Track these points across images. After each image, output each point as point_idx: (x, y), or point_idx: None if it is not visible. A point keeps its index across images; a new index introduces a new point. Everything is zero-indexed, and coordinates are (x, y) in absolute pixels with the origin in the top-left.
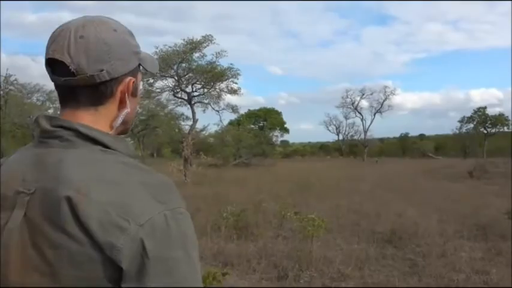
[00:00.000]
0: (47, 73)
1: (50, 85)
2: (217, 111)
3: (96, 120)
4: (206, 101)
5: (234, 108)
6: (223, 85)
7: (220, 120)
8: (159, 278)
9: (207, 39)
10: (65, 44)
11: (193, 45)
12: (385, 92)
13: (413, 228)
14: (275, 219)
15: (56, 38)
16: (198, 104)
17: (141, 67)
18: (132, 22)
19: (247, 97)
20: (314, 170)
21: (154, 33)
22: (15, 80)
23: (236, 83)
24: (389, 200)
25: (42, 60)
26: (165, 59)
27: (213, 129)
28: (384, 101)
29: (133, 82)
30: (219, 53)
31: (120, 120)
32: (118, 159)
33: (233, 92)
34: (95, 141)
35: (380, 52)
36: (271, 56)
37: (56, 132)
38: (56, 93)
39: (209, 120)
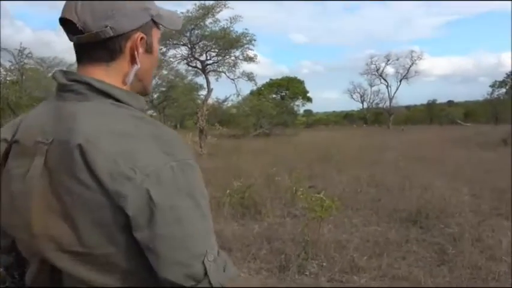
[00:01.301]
0: (69, 48)
1: (71, 59)
2: (233, 79)
3: (108, 75)
4: (221, 69)
5: (249, 76)
6: (238, 52)
7: (236, 90)
8: (169, 225)
9: (220, 4)
10: (73, 4)
11: (206, 10)
12: (412, 57)
13: (442, 205)
14: (287, 194)
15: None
16: (213, 72)
17: (159, 24)
18: None
19: (271, 67)
20: (336, 140)
21: (175, 3)
22: (30, 53)
23: (252, 50)
24: (414, 171)
25: (65, 35)
26: None
27: (235, 99)
28: (410, 66)
29: (142, 38)
30: (233, 18)
31: (131, 76)
32: (129, 113)
33: (249, 59)
34: (107, 95)
35: (408, 16)
36: (295, 24)
37: (71, 86)
38: (75, 66)
39: (231, 91)
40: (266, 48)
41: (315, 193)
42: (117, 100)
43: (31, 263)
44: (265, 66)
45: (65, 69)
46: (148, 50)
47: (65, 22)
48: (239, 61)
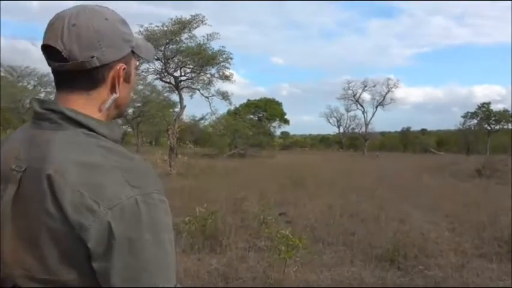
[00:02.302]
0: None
1: (44, 69)
2: (207, 97)
3: (87, 103)
4: (195, 87)
5: (224, 95)
6: (214, 70)
7: (211, 108)
8: (124, 257)
9: (198, 20)
10: (59, 32)
11: (182, 25)
12: (388, 84)
13: (421, 241)
14: (254, 222)
15: (51, 26)
16: (187, 89)
17: (135, 54)
18: (135, 9)
19: (249, 87)
20: (311, 163)
21: (156, 21)
22: None
23: (228, 68)
24: (390, 201)
25: (40, 45)
26: (151, 40)
27: (210, 118)
28: (386, 93)
29: (124, 69)
30: (210, 34)
31: (107, 104)
32: (99, 143)
33: (225, 77)
34: (80, 124)
35: (383, 45)
36: (274, 46)
37: (46, 115)
38: (47, 78)
39: (208, 109)
40: (245, 69)
41: (284, 221)
42: (91, 130)
43: (5, 284)
44: (243, 87)
45: (38, 95)
46: (127, 79)
47: (45, 48)
48: (214, 79)
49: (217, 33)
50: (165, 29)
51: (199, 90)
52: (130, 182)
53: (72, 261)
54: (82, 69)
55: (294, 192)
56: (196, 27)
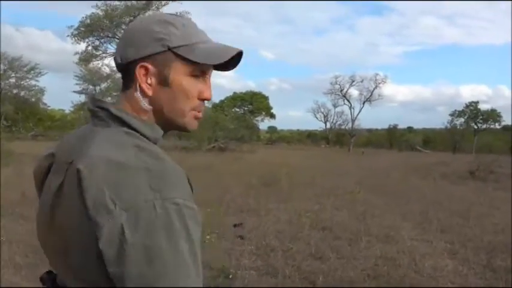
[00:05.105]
0: (32, 44)
1: (14, 53)
2: None
3: (126, 103)
4: None
5: None
6: None
7: None
8: (138, 264)
9: None
10: None
11: (149, 1)
12: (376, 80)
13: (413, 275)
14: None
15: None
16: None
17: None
18: None
19: (238, 81)
20: (292, 160)
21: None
22: None
23: None
24: (373, 208)
25: (27, 31)
26: (109, 15)
27: None
28: (374, 89)
29: (144, 67)
30: (179, 14)
31: (141, 103)
32: (134, 142)
33: None
34: (123, 122)
35: (374, 43)
36: (265, 41)
37: (97, 112)
38: (18, 62)
39: None
40: None
41: (237, 236)
42: (133, 129)
43: None
44: (233, 80)
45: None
46: (164, 82)
47: None
48: None
49: (188, 12)
50: (129, 4)
51: None
52: (152, 185)
53: (92, 260)
54: (120, 70)
55: (262, 195)
56: (165, 5)
